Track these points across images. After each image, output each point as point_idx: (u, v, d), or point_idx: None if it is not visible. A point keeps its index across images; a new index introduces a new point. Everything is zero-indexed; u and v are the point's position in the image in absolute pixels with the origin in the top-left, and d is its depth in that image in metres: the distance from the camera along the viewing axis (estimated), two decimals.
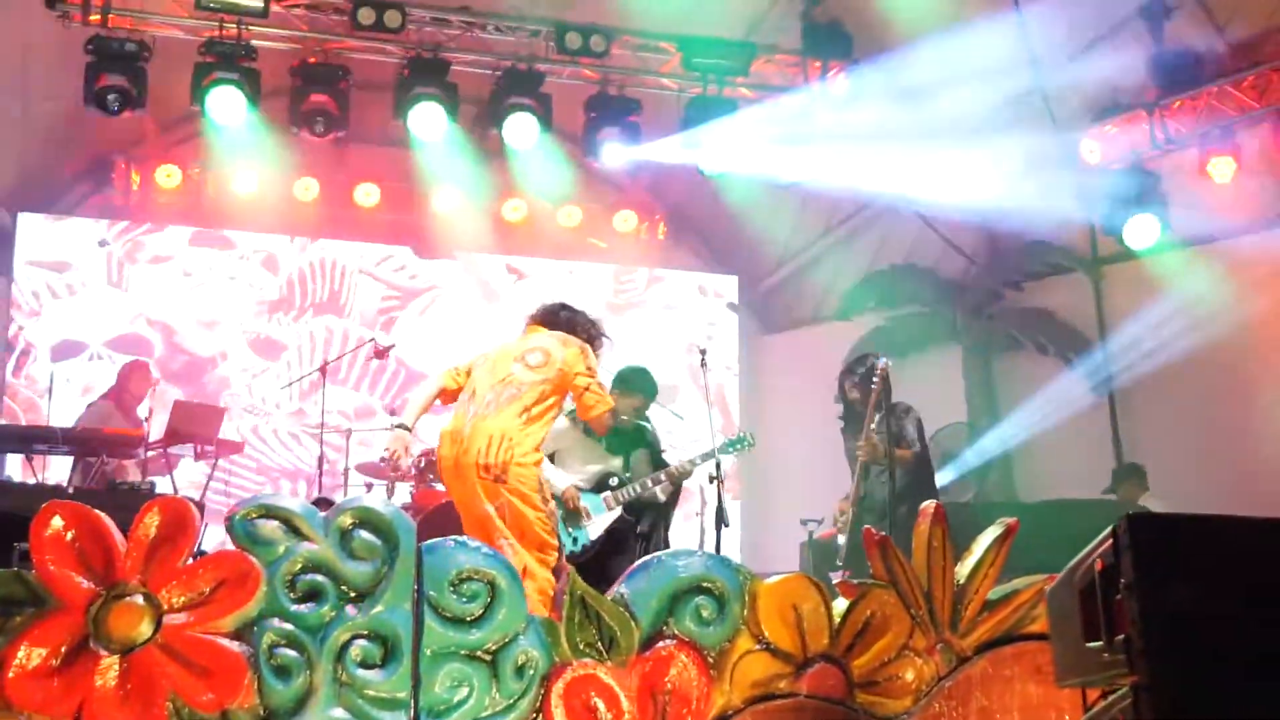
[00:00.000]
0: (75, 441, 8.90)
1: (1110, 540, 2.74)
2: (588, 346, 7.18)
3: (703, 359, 8.22)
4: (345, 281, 14.05)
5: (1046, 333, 13.22)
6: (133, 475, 9.46)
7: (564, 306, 7.51)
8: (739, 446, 8.79)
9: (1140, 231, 11.46)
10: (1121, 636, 2.68)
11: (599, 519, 8.30)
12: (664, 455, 8.80)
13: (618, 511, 8.34)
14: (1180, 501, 9.96)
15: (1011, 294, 13.65)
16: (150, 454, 9.83)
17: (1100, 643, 2.82)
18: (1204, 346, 11.25)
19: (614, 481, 8.46)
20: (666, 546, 8.23)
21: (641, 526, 8.56)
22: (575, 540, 8.08)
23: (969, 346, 13.61)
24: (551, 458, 8.33)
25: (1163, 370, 11.69)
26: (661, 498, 8.57)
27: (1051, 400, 12.68)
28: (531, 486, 6.69)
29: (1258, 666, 2.60)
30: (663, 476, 8.50)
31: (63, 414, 10.73)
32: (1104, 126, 11.68)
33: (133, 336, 13.26)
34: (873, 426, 8.39)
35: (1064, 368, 12.96)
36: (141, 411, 10.40)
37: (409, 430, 7.10)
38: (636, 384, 8.59)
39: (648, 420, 8.87)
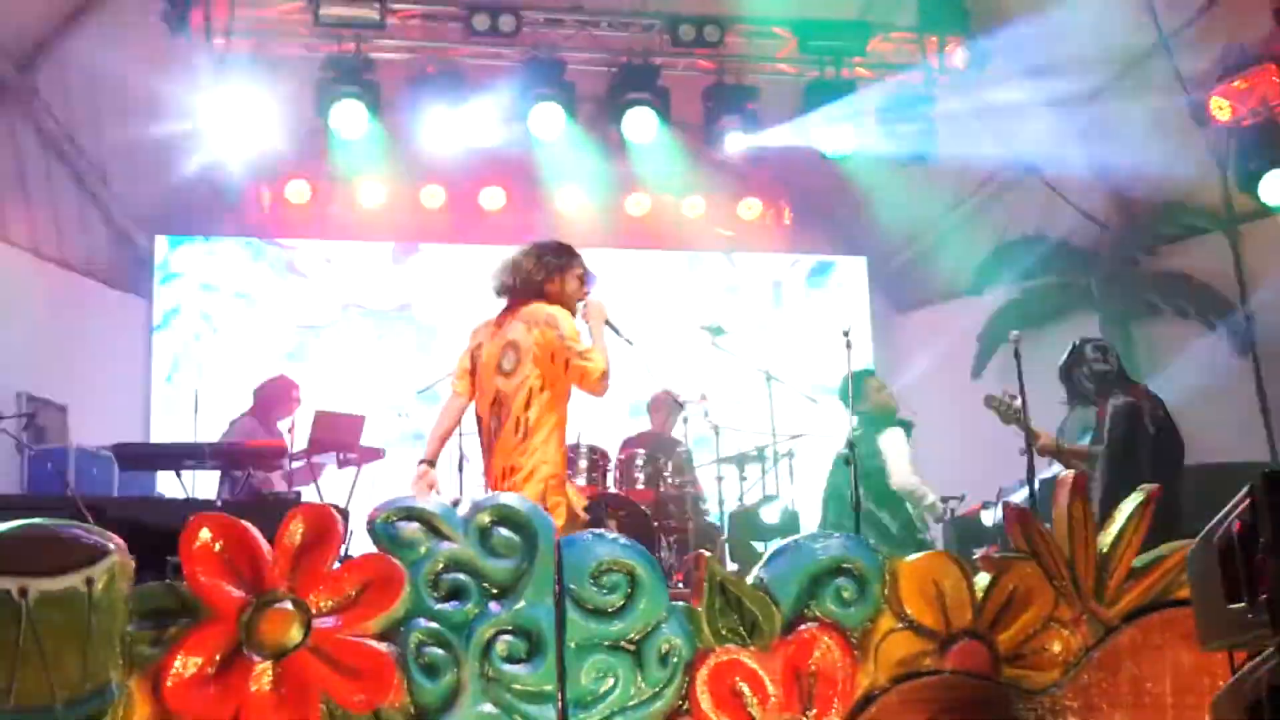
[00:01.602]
0: (220, 456, 9.08)
1: (1248, 500, 2.70)
2: (558, 312, 6.45)
3: (846, 340, 8.19)
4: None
5: (1185, 296, 12.93)
6: (279, 487, 9.64)
7: (514, 267, 6.64)
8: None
9: (1277, 187, 11.18)
10: (1264, 596, 2.64)
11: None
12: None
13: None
14: None
15: (1147, 259, 13.39)
16: (295, 465, 10.02)
17: (1243, 604, 2.77)
18: None
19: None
20: None
21: None
22: None
23: (1106, 314, 13.36)
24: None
25: None
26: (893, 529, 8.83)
27: (1194, 364, 12.42)
28: (553, 499, 6.21)
29: None
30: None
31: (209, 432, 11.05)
32: (1232, 82, 11.38)
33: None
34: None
35: (1205, 331, 12.69)
36: (283, 425, 10.59)
37: (432, 465, 6.56)
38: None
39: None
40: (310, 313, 13.90)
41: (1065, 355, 8.41)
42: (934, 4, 12.02)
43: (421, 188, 13.75)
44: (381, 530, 4.45)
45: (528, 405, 6.32)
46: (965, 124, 12.48)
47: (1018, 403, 8.15)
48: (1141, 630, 4.72)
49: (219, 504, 8.02)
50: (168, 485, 10.60)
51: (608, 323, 6.55)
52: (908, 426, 9.42)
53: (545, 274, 6.56)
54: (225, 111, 10.82)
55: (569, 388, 6.41)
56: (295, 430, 10.12)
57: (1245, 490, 2.71)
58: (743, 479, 11.17)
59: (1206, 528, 3.05)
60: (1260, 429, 11.87)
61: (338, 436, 10.18)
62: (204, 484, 10.62)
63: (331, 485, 10.93)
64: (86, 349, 12.00)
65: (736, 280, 14.91)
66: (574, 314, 6.51)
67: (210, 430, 10.97)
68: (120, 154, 11.98)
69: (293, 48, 11.10)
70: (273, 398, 10.73)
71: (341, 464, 10.35)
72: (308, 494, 9.82)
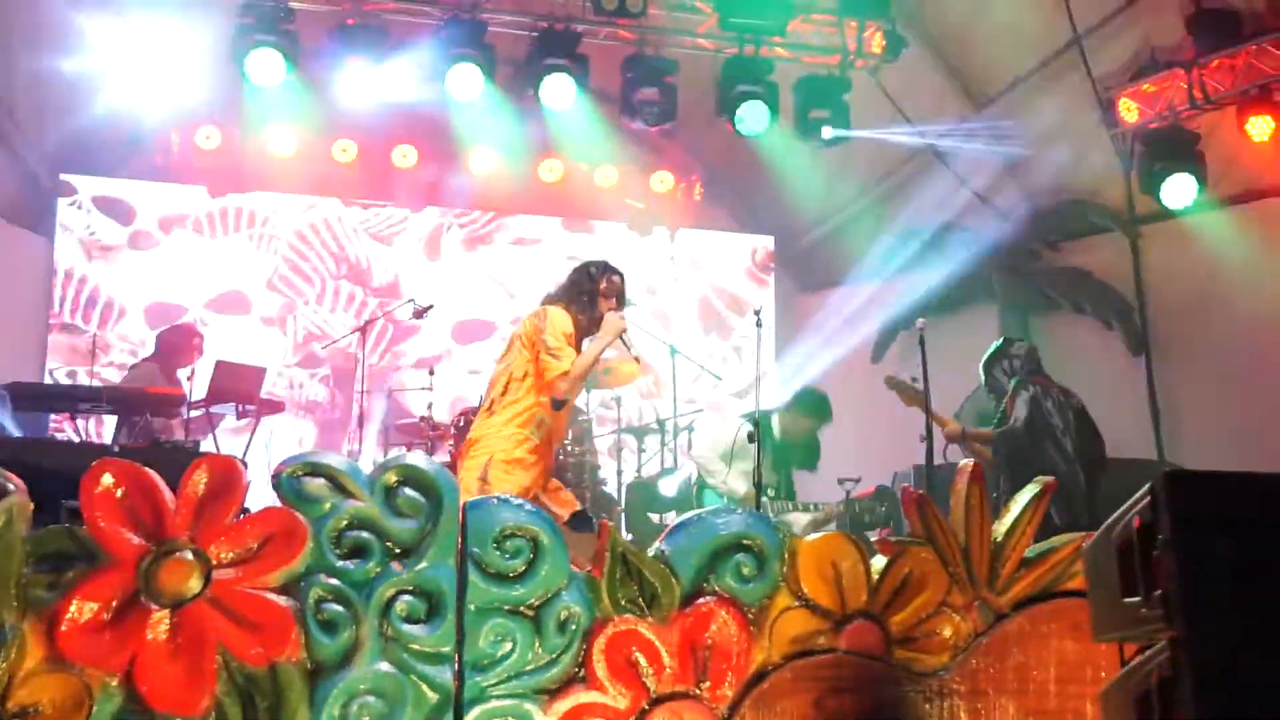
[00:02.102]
0: (118, 401, 9.00)
1: (1148, 497, 2.78)
2: (553, 309, 6.74)
3: (758, 319, 8.25)
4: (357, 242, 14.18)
5: (1084, 292, 13.17)
6: (177, 435, 9.57)
7: (571, 274, 7.06)
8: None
9: (1178, 190, 11.41)
10: (1159, 592, 2.73)
11: None
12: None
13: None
14: (1215, 462, 9.92)
15: (1048, 254, 13.62)
16: (193, 413, 9.94)
17: (1138, 598, 2.86)
18: (1242, 307, 11.22)
19: (770, 493, 8.90)
20: None
21: None
22: None
23: (1005, 306, 13.58)
24: (729, 462, 9.00)
25: (1200, 331, 11.67)
26: (796, 530, 8.82)
27: (1089, 360, 12.66)
28: (495, 475, 6.47)
29: None
30: (800, 508, 9.01)
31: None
32: (1141, 85, 11.61)
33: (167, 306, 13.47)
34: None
35: (1101, 328, 12.92)
36: (183, 373, 10.50)
37: None
38: (808, 406, 8.69)
39: (817, 446, 9.04)
40: (215, 260, 13.75)
41: (991, 349, 8.59)
42: None
43: (334, 141, 13.64)
44: (286, 485, 4.42)
45: (505, 390, 6.62)
46: (878, 110, 12.61)
47: (918, 385, 8.31)
48: (1030, 619, 4.82)
49: (116, 449, 7.95)
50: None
51: (621, 339, 6.74)
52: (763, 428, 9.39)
53: (576, 290, 6.89)
54: (138, 52, 10.67)
55: (537, 389, 6.65)
56: (195, 379, 10.05)
57: (1146, 489, 2.79)
58: (641, 450, 11.25)
59: (1105, 523, 3.14)
60: (1149, 427, 12.13)
61: (238, 387, 10.13)
62: (97, 428, 10.56)
63: (227, 437, 10.90)
64: None
65: (645, 251, 14.94)
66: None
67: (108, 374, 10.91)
68: (29, 90, 11.76)
69: None
70: (175, 344, 10.65)
71: (240, 415, 10.31)
72: (205, 444, 9.76)
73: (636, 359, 6.97)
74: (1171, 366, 12.28)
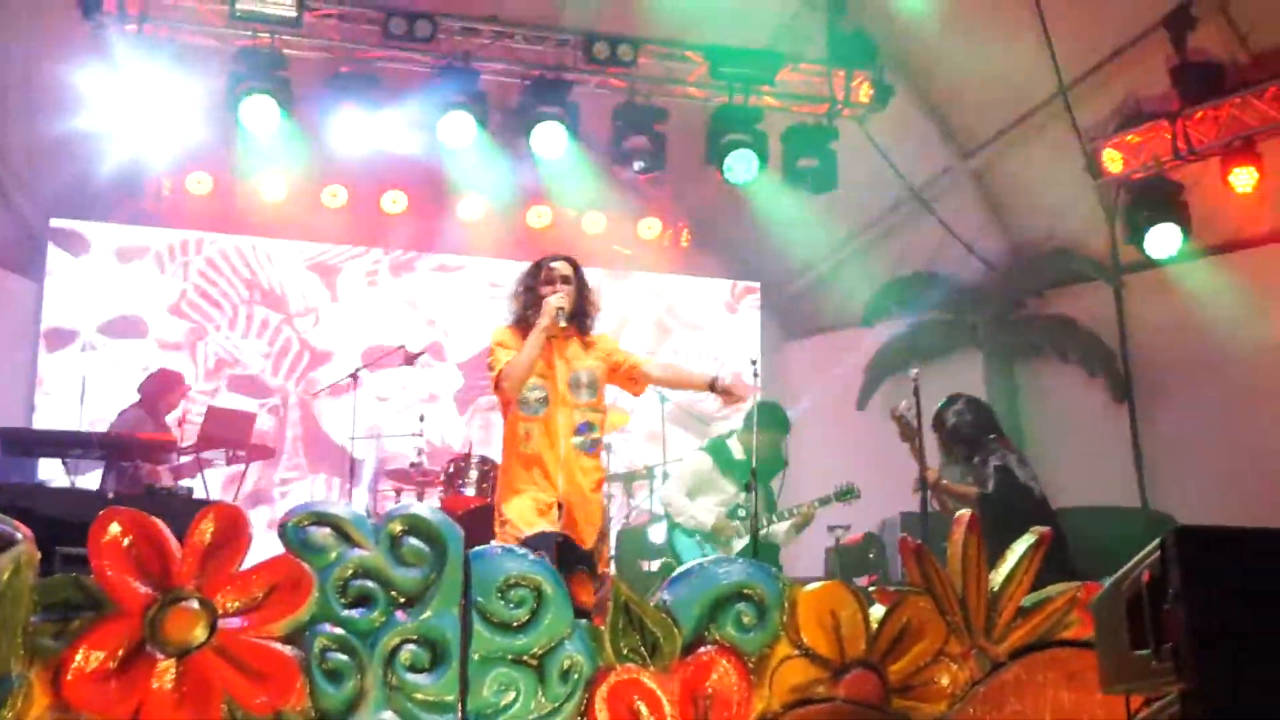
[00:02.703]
0: (110, 447, 9.00)
1: (1158, 552, 2.84)
2: (492, 333, 6.66)
3: (755, 370, 8.28)
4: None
5: (1068, 340, 13.26)
6: (165, 480, 9.58)
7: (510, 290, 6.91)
8: (848, 497, 9.12)
9: (1161, 240, 11.51)
10: (1169, 645, 2.78)
11: (736, 544, 8.88)
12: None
13: (745, 540, 8.63)
14: (1198, 511, 10.01)
15: (1033, 301, 13.71)
16: (184, 459, 9.97)
17: (1147, 651, 2.92)
18: (1224, 356, 11.31)
19: (741, 513, 8.91)
20: None
21: None
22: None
23: (990, 353, 13.67)
24: (693, 494, 9.07)
25: (1184, 381, 11.76)
26: (780, 539, 8.85)
27: (1073, 408, 12.75)
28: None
29: None
30: (777, 517, 9.01)
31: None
32: (1126, 136, 11.74)
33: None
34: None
35: (1085, 376, 13.01)
36: (171, 418, 10.54)
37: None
38: (765, 421, 8.72)
39: (780, 457, 9.10)
40: (203, 305, 13.77)
41: (940, 406, 8.57)
42: (843, 39, 12.21)
43: (324, 187, 13.68)
44: (292, 534, 4.47)
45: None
46: (866, 158, 12.71)
47: (916, 423, 8.37)
48: (1026, 668, 4.88)
49: (110, 496, 7.95)
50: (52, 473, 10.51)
51: (557, 316, 6.53)
52: (716, 449, 9.42)
53: (519, 296, 6.75)
54: (131, 98, 10.73)
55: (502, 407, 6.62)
56: (185, 424, 10.08)
57: (1156, 543, 2.86)
58: (630, 498, 11.29)
59: (1115, 576, 3.20)
60: (1132, 476, 12.20)
61: (229, 433, 10.17)
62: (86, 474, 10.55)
63: (212, 480, 10.92)
64: None
65: (633, 298, 15.00)
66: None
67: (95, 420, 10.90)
68: (20, 134, 11.79)
69: (206, 39, 11.01)
70: (158, 389, 10.68)
71: (230, 460, 10.33)
72: (193, 488, 9.76)
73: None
74: (1154, 414, 12.36)
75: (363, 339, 13.77)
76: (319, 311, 14.00)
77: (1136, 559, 3.01)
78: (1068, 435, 12.72)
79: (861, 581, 10.16)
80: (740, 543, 8.87)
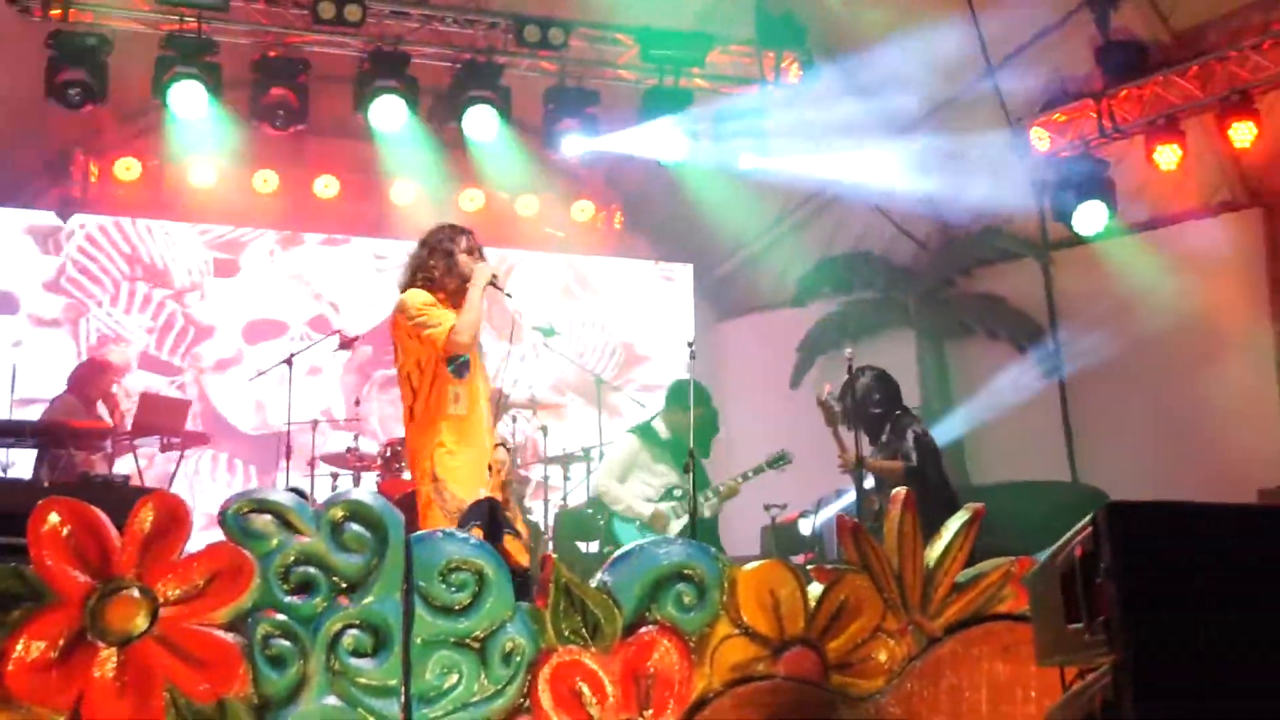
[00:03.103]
0: (44, 435, 8.94)
1: (1090, 527, 2.91)
2: (404, 295, 6.55)
3: (691, 351, 8.33)
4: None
5: (997, 318, 13.40)
6: (99, 468, 9.53)
7: (412, 256, 6.78)
8: (780, 464, 9.16)
9: (1089, 218, 11.65)
10: (1101, 618, 2.85)
11: (673, 525, 9.02)
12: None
13: (684, 520, 8.71)
14: (1129, 485, 10.15)
15: (963, 280, 13.84)
16: (118, 445, 9.92)
17: (1080, 624, 2.99)
18: (1151, 332, 11.46)
19: (678, 493, 9.09)
20: None
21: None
22: None
23: (922, 332, 13.79)
24: (624, 478, 9.17)
25: (1112, 356, 11.90)
26: (707, 514, 8.92)
27: (1003, 385, 12.88)
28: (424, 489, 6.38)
29: (1231, 646, 2.78)
30: (712, 494, 9.10)
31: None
32: (1053, 115, 11.88)
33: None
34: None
35: (1015, 353, 13.15)
36: (103, 406, 10.47)
37: None
38: (682, 397, 8.78)
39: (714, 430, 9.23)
40: (131, 291, 13.65)
41: (847, 380, 8.62)
42: (771, 21, 12.28)
43: (255, 172, 13.60)
44: (232, 521, 4.47)
45: (410, 393, 6.46)
46: (795, 139, 12.77)
47: (838, 408, 8.47)
48: (962, 642, 4.95)
49: (46, 485, 7.90)
50: None
51: (492, 283, 6.54)
52: (643, 431, 9.54)
53: (425, 264, 6.65)
54: (60, 86, 10.60)
55: (436, 365, 6.43)
56: (118, 411, 10.01)
57: (1089, 518, 2.92)
58: (567, 479, 11.32)
59: (1049, 551, 3.27)
60: (1063, 450, 12.36)
61: (163, 420, 10.12)
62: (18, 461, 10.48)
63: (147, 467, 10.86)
64: None
65: (568, 280, 15.02)
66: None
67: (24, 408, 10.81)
68: None
69: (132, 24, 10.91)
70: (85, 377, 10.61)
71: (165, 448, 10.27)
72: (129, 476, 9.71)
73: (508, 295, 6.77)
74: (1084, 390, 12.52)
75: (247, 314, 13.78)
76: (204, 287, 13.89)
77: (1069, 534, 3.08)
78: (1000, 412, 12.85)
79: (798, 559, 10.24)
80: (678, 523, 8.95)
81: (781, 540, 10.81)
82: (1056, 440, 12.51)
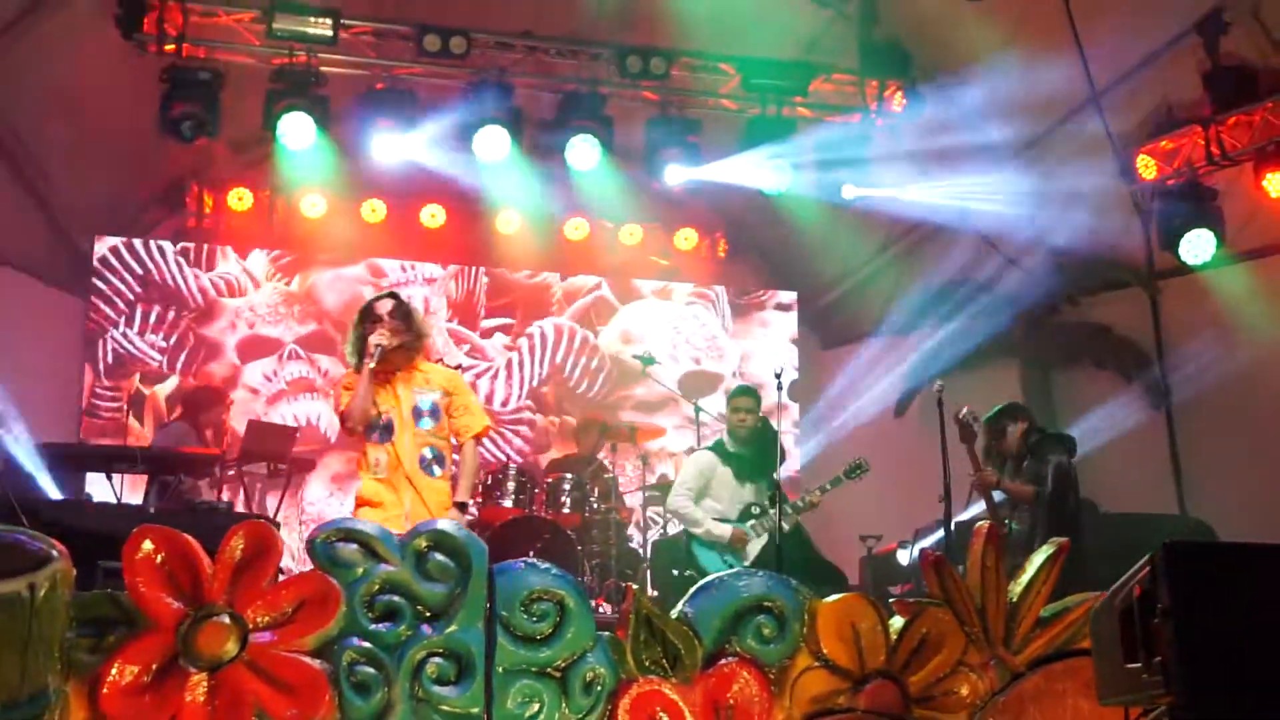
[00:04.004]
0: (154, 462, 9.13)
1: (1148, 567, 2.91)
2: (344, 374, 7.43)
3: (779, 381, 8.37)
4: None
5: (1104, 348, 13.22)
6: (207, 493, 9.72)
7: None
8: (857, 473, 9.14)
9: (1196, 246, 11.47)
10: (1158, 659, 2.85)
11: (752, 546, 8.95)
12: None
13: (765, 538, 8.72)
14: (1237, 517, 10.00)
15: (1068, 309, 13.68)
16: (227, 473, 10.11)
17: (1139, 664, 2.98)
18: (1261, 361, 11.27)
19: (756, 510, 9.04)
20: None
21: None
22: (731, 567, 8.49)
23: (1026, 361, 13.65)
24: (699, 497, 9.12)
25: (1220, 385, 11.71)
26: (786, 528, 8.91)
27: (1109, 415, 12.72)
28: None
29: None
30: (791, 510, 9.03)
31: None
32: (1159, 142, 11.73)
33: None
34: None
35: (1122, 383, 12.98)
36: (213, 432, 10.67)
37: None
38: (734, 398, 8.87)
39: (767, 439, 9.19)
40: (248, 319, 13.91)
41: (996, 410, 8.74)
42: (875, 49, 12.23)
43: (363, 201, 13.82)
44: (320, 550, 4.58)
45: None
46: (899, 168, 12.73)
47: (975, 427, 8.53)
48: (1045, 677, 4.93)
49: (152, 511, 8.08)
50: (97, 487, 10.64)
51: (373, 350, 6.92)
52: (716, 448, 9.43)
53: (358, 329, 7.13)
54: (174, 119, 10.86)
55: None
56: (228, 438, 10.21)
57: (1146, 559, 2.92)
58: (665, 509, 11.35)
59: (1110, 590, 3.26)
60: (1169, 481, 12.17)
61: (270, 446, 10.29)
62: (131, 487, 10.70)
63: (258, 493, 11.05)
64: (20, 346, 11.95)
65: (671, 309, 15.09)
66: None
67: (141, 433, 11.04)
68: (62, 153, 11.96)
69: (244, 58, 11.16)
70: (201, 404, 10.80)
71: (272, 474, 10.45)
72: (235, 502, 9.91)
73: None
74: (1192, 421, 12.31)
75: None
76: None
77: (1129, 573, 3.08)
78: (1105, 443, 12.69)
79: (896, 590, 10.20)
80: (758, 543, 8.90)
81: (879, 571, 10.77)
82: (1163, 472, 12.32)
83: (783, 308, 15.50)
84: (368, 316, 7.00)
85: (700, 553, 9.04)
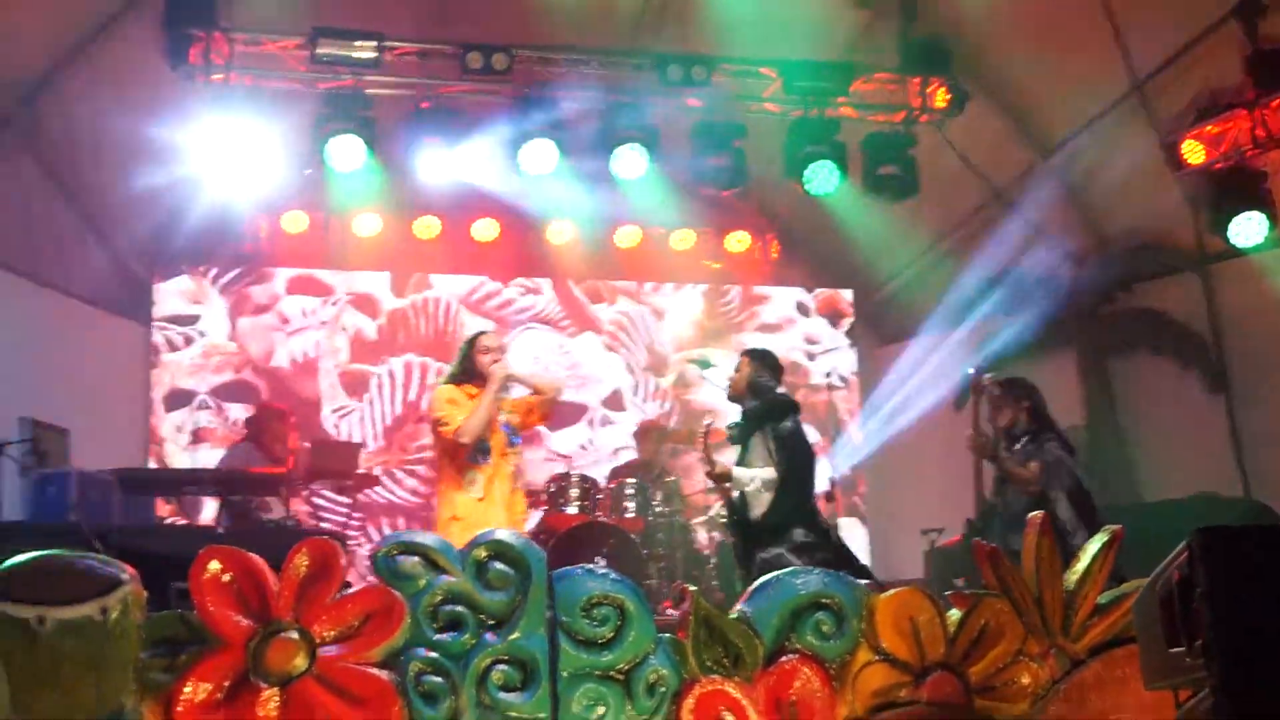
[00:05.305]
0: (221, 483, 9.27)
1: (1186, 552, 2.95)
2: (434, 392, 8.07)
3: (828, 383, 8.41)
4: (450, 318, 14.44)
5: (1159, 333, 13.16)
6: (276, 512, 9.85)
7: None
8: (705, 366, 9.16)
9: (1245, 229, 11.40)
10: (1199, 642, 2.89)
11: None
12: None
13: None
14: None
15: (1122, 296, 13.62)
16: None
17: (1182, 648, 3.02)
18: None
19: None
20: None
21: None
22: None
23: (1083, 350, 13.61)
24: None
25: (1278, 365, 11.66)
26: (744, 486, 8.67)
27: (1168, 401, 12.67)
28: None
29: None
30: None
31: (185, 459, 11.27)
32: (1205, 126, 11.66)
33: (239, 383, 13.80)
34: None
35: (1179, 368, 12.93)
36: (280, 451, 10.80)
37: None
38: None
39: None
40: (309, 342, 14.08)
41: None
42: (916, 46, 12.23)
43: (415, 218, 13.96)
44: (383, 563, 4.68)
45: (438, 468, 7.88)
46: (946, 162, 12.75)
47: (984, 439, 8.52)
48: (1106, 664, 4.96)
49: (221, 532, 8.22)
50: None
51: (512, 383, 7.78)
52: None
53: (465, 356, 7.91)
54: (223, 145, 11.00)
55: (455, 449, 7.60)
56: (295, 457, 10.34)
57: (1183, 544, 2.96)
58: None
59: (1151, 576, 3.30)
60: (1230, 465, 12.12)
61: (335, 464, 10.42)
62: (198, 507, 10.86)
63: (326, 509, 11.19)
64: (87, 374, 12.15)
65: (725, 312, 15.17)
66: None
67: (206, 456, 11.19)
68: (120, 184, 12.10)
69: (290, 84, 11.30)
70: (265, 424, 10.92)
71: (338, 490, 10.58)
72: (303, 518, 10.04)
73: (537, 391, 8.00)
74: (1251, 404, 12.24)
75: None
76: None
77: (1169, 558, 3.12)
78: (1165, 429, 12.67)
79: (960, 583, 10.19)
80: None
81: (942, 564, 10.77)
82: (1223, 456, 12.26)
83: (837, 305, 15.54)
84: (477, 346, 7.75)
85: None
